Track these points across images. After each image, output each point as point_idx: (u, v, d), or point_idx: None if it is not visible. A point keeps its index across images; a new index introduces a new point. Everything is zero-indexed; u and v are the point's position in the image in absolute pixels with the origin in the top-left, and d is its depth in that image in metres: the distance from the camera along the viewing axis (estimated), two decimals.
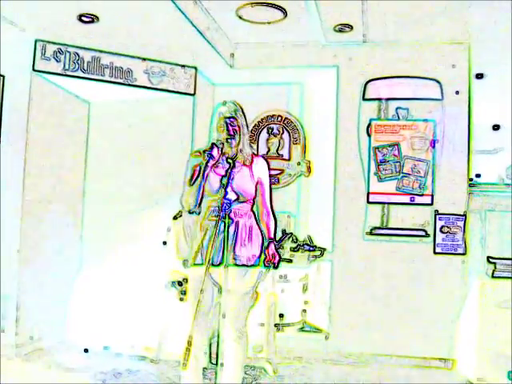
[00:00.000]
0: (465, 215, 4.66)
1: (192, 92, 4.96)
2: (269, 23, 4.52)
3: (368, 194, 4.82)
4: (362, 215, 4.81)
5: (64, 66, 4.60)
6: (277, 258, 3.55)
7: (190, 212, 3.53)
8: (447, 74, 4.75)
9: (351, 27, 4.58)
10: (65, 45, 4.59)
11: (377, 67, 4.82)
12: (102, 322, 4.83)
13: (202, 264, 3.43)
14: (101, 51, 4.69)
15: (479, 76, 4.80)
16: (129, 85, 4.79)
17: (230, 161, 3.42)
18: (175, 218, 4.32)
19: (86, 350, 4.77)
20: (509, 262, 4.35)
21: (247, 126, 3.57)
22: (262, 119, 5.09)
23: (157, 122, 5.02)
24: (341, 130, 4.88)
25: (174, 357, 4.36)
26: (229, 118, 3.50)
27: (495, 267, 4.37)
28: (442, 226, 4.68)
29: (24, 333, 4.59)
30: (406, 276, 4.70)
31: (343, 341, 4.73)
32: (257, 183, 3.55)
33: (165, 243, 4.60)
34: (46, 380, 4.19)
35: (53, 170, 4.85)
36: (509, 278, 4.30)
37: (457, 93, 4.74)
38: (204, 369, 4.30)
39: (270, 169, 3.62)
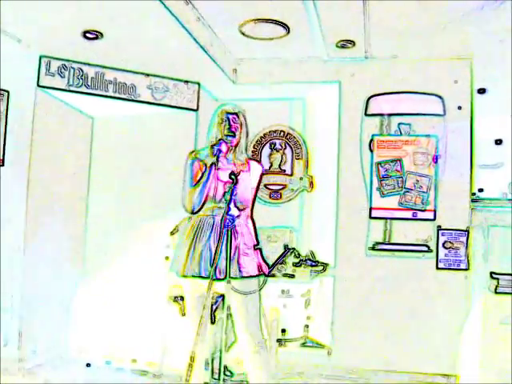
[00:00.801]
0: (467, 230, 4.66)
1: (195, 107, 4.98)
2: (271, 39, 4.55)
3: (370, 209, 4.82)
4: (365, 230, 4.81)
5: (68, 81, 4.63)
6: (265, 267, 3.47)
7: (192, 213, 3.44)
8: (449, 89, 4.76)
9: (353, 43, 4.61)
10: (69, 61, 4.63)
11: (379, 83, 4.85)
12: (105, 337, 4.83)
13: (198, 276, 3.37)
14: (105, 67, 4.73)
15: (481, 91, 4.81)
16: (132, 100, 4.82)
17: (233, 177, 3.37)
18: (172, 233, 4.33)
19: (88, 365, 4.76)
20: None
21: (247, 132, 3.54)
22: (264, 134, 5.11)
23: (160, 138, 5.04)
24: (343, 146, 4.89)
25: (177, 372, 4.35)
26: (231, 113, 3.47)
27: (498, 283, 4.35)
28: (445, 242, 4.67)
29: (27, 347, 4.58)
30: (408, 291, 4.68)
31: (346, 356, 4.71)
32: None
33: (167, 258, 4.60)
34: None
35: (56, 184, 4.87)
36: None
37: (459, 108, 4.75)
38: None
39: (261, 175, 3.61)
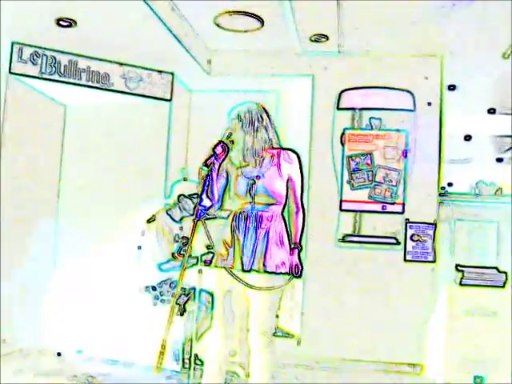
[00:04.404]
0: (435, 224, 4.75)
1: (169, 98, 4.97)
2: (246, 32, 4.56)
3: (341, 201, 4.88)
4: (335, 222, 4.87)
5: (41, 69, 4.59)
6: (299, 268, 3.43)
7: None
8: (420, 85, 4.82)
9: (327, 37, 4.64)
10: (42, 48, 4.57)
11: (351, 77, 4.89)
12: (76, 326, 4.82)
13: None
14: (78, 55, 4.69)
15: (451, 88, 4.90)
16: (105, 89, 4.79)
17: (204, 168, 3.40)
18: (149, 221, 4.34)
19: (58, 354, 4.75)
20: (476, 270, 4.45)
21: (264, 124, 3.50)
22: None
23: (133, 127, 5.02)
24: (315, 139, 4.92)
25: (148, 360, 4.37)
26: (233, 118, 3.46)
27: (463, 275, 4.46)
28: (413, 234, 4.75)
29: None
30: (376, 283, 4.75)
31: (315, 346, 4.78)
32: (287, 180, 3.47)
33: (139, 247, 4.61)
34: None
35: (28, 172, 4.83)
36: (476, 285, 4.40)
37: (429, 104, 4.82)
38: (176, 373, 4.34)
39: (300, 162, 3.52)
